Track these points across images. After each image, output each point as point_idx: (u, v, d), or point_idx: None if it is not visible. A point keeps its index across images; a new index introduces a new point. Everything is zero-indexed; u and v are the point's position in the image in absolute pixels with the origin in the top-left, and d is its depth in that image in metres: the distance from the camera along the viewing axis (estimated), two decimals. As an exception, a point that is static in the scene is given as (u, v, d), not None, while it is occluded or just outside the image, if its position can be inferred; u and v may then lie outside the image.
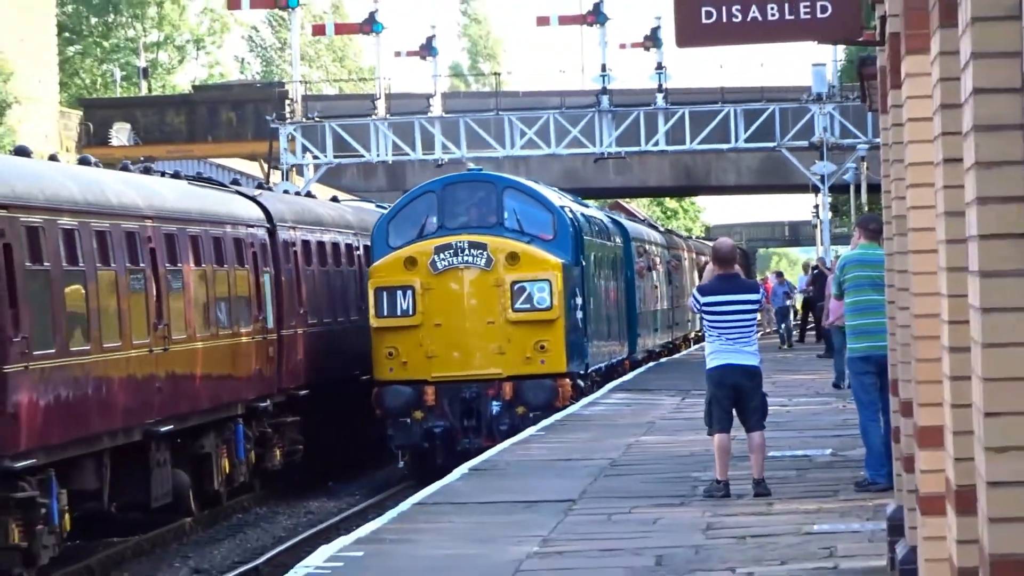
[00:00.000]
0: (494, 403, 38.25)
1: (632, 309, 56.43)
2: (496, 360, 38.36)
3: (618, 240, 54.81)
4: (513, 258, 38.52)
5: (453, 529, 21.77)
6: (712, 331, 23.36)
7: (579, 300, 41.12)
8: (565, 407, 37.54)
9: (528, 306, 38.26)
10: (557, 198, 43.66)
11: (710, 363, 23.42)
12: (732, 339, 23.22)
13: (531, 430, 35.08)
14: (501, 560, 19.12)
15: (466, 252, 38.36)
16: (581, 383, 41.16)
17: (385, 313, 38.26)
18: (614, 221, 58.53)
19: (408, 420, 38.11)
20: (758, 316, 28.32)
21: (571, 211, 43.09)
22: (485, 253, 38.36)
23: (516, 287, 38.31)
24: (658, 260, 67.75)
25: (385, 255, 39.22)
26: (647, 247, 64.88)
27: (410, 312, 38.14)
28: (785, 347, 64.34)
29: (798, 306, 75.21)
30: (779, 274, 76.41)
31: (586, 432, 33.92)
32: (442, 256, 38.39)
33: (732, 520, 21.26)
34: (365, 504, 36.69)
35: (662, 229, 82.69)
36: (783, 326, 66.74)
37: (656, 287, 65.75)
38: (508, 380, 38.30)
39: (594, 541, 20.23)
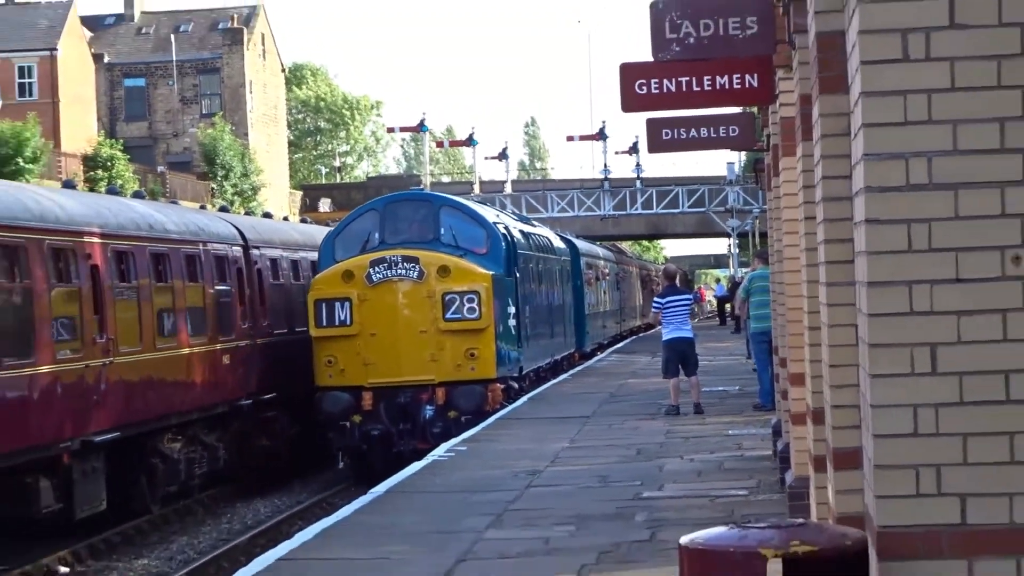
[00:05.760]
0: (427, 407, 26.12)
1: (581, 311, 42.47)
2: (429, 367, 26.13)
3: (565, 255, 40.61)
4: (444, 271, 26.24)
5: (519, 434, 21.67)
6: (666, 318, 23.54)
7: (512, 308, 28.55)
8: (496, 410, 25.82)
9: (458, 316, 26.13)
10: (493, 216, 30.48)
11: (665, 336, 23.59)
12: (677, 322, 23.44)
13: (564, 376, 34.50)
14: (547, 451, 19.06)
15: (399, 265, 26.31)
16: (515, 384, 28.74)
17: (324, 323, 26.10)
18: (564, 239, 43.35)
19: (347, 424, 25.98)
20: (694, 308, 26.75)
21: (506, 227, 30.00)
22: (417, 266, 26.26)
23: (447, 298, 26.11)
24: (608, 272, 53.73)
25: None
26: (597, 262, 50.42)
27: (347, 322, 26.01)
28: (722, 324, 64.48)
29: (714, 303, 75.62)
30: (719, 282, 77.39)
31: (596, 377, 33.79)
32: (377, 269, 26.25)
33: (681, 428, 21.19)
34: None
35: (632, 255, 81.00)
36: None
37: (605, 293, 51.66)
38: (440, 386, 26.07)
39: (601, 440, 20.19)
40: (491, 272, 26.87)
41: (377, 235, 27.28)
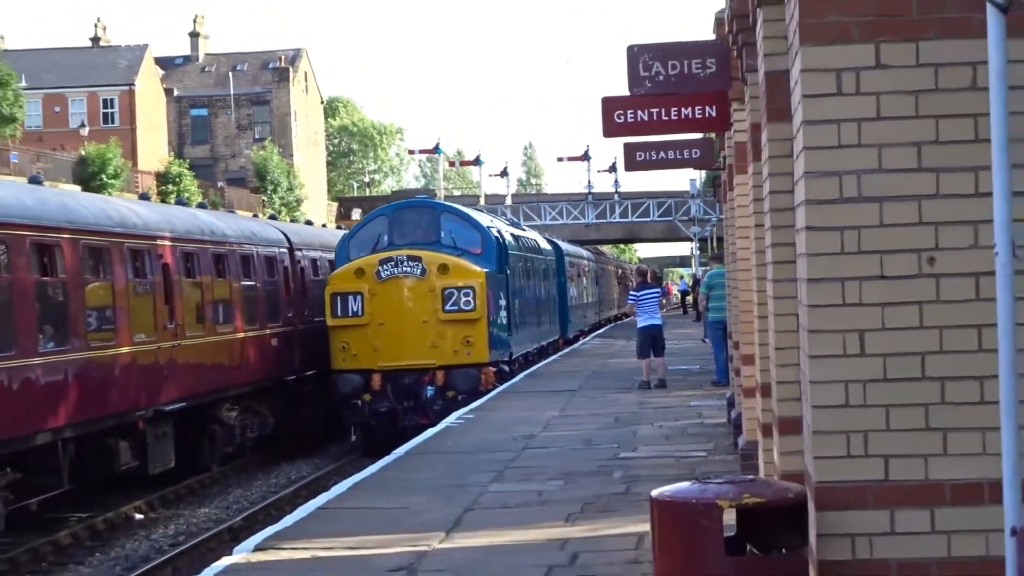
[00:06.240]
0: (429, 388, 25.12)
1: (564, 303, 40.57)
2: (430, 352, 25.10)
3: (551, 255, 38.79)
4: (443, 268, 25.20)
5: (517, 404, 21.56)
6: (640, 309, 23.47)
7: (503, 301, 27.37)
8: (489, 390, 24.67)
9: (456, 308, 25.07)
10: (487, 221, 29.24)
11: (639, 324, 23.43)
12: (648, 312, 23.36)
13: (554, 356, 34.30)
14: (541, 419, 19.00)
15: (405, 263, 25.19)
16: (506, 367, 27.26)
17: (339, 314, 25.06)
18: (551, 242, 41.23)
19: (359, 402, 25.03)
20: (663, 300, 26.27)
21: (498, 231, 28.79)
22: (420, 264, 25.17)
23: (446, 292, 25.07)
24: (589, 270, 51.27)
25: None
26: (580, 261, 47.86)
27: (359, 313, 24.98)
28: (685, 314, 64.09)
29: (678, 297, 75.50)
30: (682, 279, 76.98)
31: (581, 358, 33.63)
32: (385, 267, 25.18)
33: (651, 400, 21.11)
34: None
35: (610, 256, 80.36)
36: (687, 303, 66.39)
37: (586, 287, 49.45)
38: (440, 369, 25.12)
39: (585, 409, 20.10)
40: (485, 270, 25.89)
41: (386, 237, 26.31)
